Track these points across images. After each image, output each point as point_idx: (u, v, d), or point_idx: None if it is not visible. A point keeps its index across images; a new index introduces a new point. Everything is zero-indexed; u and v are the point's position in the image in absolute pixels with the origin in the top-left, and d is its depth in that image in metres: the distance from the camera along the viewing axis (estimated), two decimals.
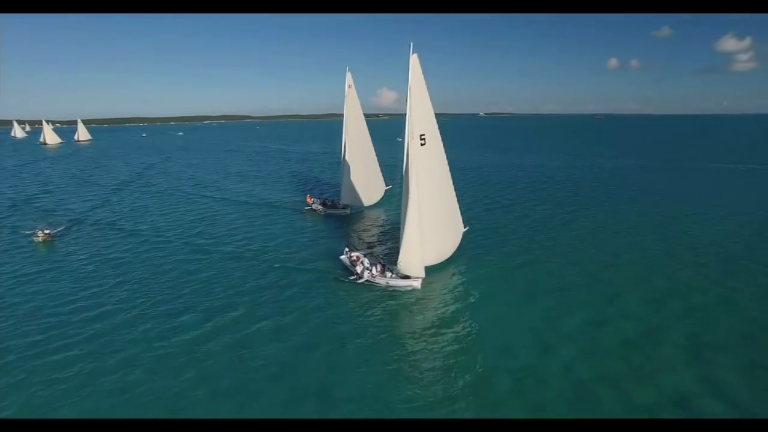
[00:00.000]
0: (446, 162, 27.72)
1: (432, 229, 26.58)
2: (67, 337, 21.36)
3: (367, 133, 44.86)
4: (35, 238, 36.79)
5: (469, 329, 21.54)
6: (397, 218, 43.40)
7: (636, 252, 32.29)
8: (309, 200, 48.07)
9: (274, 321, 22.85)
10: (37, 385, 17.75)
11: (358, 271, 26.86)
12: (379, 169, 47.00)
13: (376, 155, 46.59)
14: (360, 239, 36.63)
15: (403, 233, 24.92)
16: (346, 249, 30.07)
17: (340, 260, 29.56)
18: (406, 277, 26.01)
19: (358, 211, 45.68)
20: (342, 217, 43.90)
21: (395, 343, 20.60)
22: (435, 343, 20.31)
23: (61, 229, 40.29)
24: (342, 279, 27.39)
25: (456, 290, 25.99)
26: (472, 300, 24.58)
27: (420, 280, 25.70)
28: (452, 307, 23.84)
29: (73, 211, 49.46)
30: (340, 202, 45.40)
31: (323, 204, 46.21)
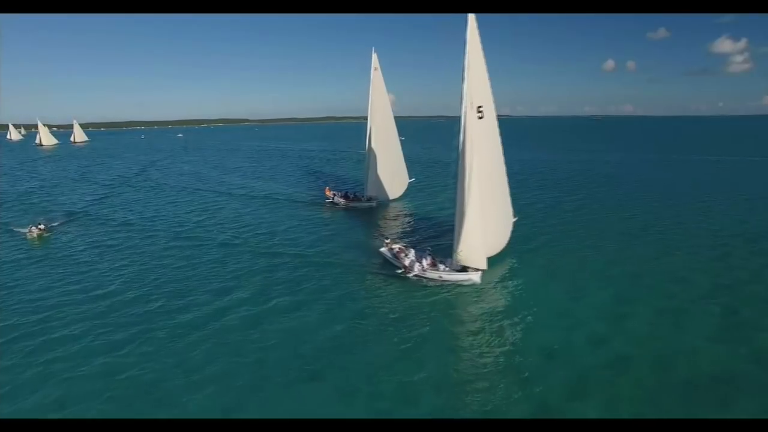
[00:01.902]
0: (500, 141, 24.54)
1: (491, 215, 23.48)
2: (85, 336, 18.10)
3: (393, 120, 41.72)
4: (29, 234, 33.46)
5: (539, 329, 18.40)
6: (429, 210, 40.91)
7: (688, 240, 29.91)
8: (328, 193, 44.84)
9: (318, 315, 20.03)
10: (49, 383, 15.21)
11: (406, 264, 23.69)
12: (403, 160, 43.66)
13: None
14: (397, 231, 33.47)
15: (463, 218, 21.77)
16: (386, 240, 26.92)
17: (381, 253, 26.41)
18: (464, 269, 22.85)
19: (382, 204, 42.54)
20: (367, 210, 40.73)
21: (456, 341, 17.87)
22: (500, 344, 17.39)
23: (56, 224, 37.01)
24: (384, 273, 24.29)
25: (519, 285, 22.80)
26: (538, 295, 21.44)
27: (480, 273, 22.54)
28: (517, 303, 20.70)
29: (70, 206, 45.93)
30: (365, 194, 42.22)
31: (345, 197, 42.99)
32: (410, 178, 45.20)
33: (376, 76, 39.51)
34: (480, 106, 21.98)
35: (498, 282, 23.07)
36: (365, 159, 42.34)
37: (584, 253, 27.39)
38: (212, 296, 22.29)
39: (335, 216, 39.37)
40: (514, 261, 25.84)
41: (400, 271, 23.69)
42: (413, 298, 21.37)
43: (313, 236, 32.55)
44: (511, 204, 26.77)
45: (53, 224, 36.58)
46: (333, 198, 43.48)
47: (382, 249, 26.54)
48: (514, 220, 27.71)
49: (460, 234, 22.14)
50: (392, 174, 42.18)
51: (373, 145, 40.41)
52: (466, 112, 21.44)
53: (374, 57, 39.09)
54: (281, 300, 21.67)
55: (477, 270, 22.55)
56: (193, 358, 16.59)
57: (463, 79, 21.38)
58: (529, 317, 19.27)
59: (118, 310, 20.84)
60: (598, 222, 35.36)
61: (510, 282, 23.12)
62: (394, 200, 43.41)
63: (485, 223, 22.25)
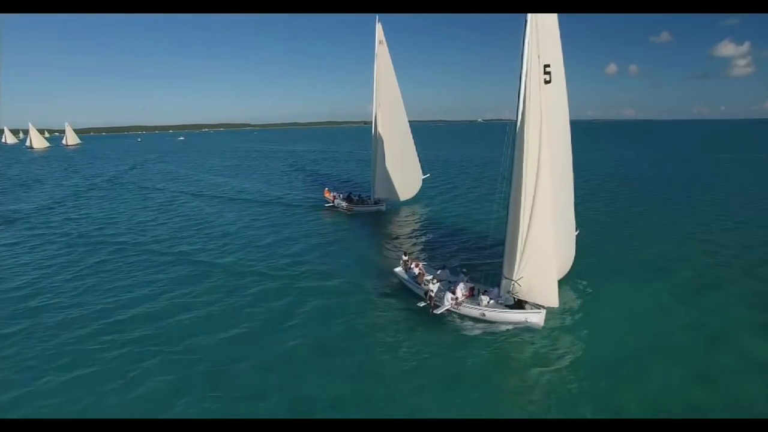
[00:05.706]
0: (569, 121, 17.25)
1: (562, 227, 16.33)
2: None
3: (402, 103, 34.45)
4: None
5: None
6: (452, 214, 33.65)
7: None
8: (327, 195, 37.82)
9: (313, 358, 13.37)
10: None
11: (432, 292, 16.53)
12: (416, 153, 36.21)
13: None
14: (415, 243, 26.31)
15: (525, 232, 14.54)
16: (404, 257, 19.78)
17: (395, 273, 19.32)
18: (518, 304, 15.64)
19: (392, 207, 35.45)
20: (375, 215, 33.61)
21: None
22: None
23: None
24: (399, 302, 17.39)
25: (596, 331, 15.52)
26: (623, 348, 14.24)
27: (543, 313, 15.28)
28: (595, 366, 13.30)
29: (16, 211, 38.97)
30: (373, 197, 35.12)
31: (348, 199, 35.86)
32: (424, 174, 38.03)
33: (381, 51, 32.46)
34: (547, 65, 14.78)
35: (564, 324, 15.81)
36: (371, 153, 35.21)
37: (666, 277, 20.24)
38: (180, 327, 15.58)
39: (336, 223, 32.30)
40: (581, 290, 18.56)
41: (422, 304, 16.54)
42: (441, 347, 14.40)
43: (307, 249, 25.44)
44: (574, 211, 19.49)
45: None
46: (334, 201, 36.45)
47: (397, 269, 19.44)
48: (577, 233, 20.37)
49: (519, 254, 14.86)
50: (404, 169, 35.00)
51: (380, 132, 33.29)
52: (528, 72, 14.27)
53: (378, 28, 32.00)
54: (259, 336, 15.23)
55: (540, 308, 15.30)
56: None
57: (525, 21, 14.23)
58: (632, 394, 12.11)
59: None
60: (654, 232, 28.18)
61: (581, 326, 15.78)
62: (407, 202, 36.32)
63: (557, 240, 15.04)
